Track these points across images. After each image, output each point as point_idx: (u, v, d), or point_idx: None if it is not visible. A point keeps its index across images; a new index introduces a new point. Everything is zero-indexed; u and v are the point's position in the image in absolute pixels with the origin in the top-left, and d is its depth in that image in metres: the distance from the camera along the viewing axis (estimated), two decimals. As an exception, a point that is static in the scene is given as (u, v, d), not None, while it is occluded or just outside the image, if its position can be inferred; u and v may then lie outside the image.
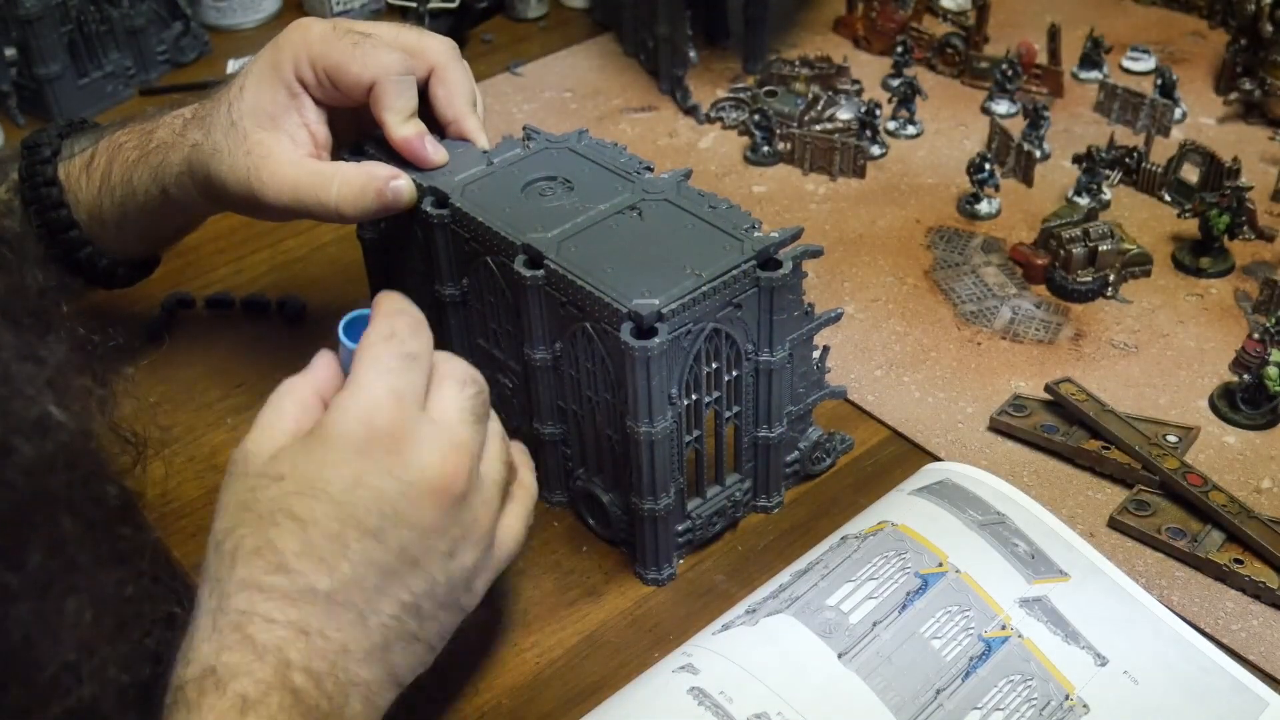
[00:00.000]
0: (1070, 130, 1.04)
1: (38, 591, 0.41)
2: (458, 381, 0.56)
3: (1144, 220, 0.93)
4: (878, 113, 1.02)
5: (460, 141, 0.71)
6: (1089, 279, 0.86)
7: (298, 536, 0.50)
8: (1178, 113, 1.04)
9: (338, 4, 1.23)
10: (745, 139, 1.04)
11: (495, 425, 0.59)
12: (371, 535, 0.51)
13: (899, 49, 1.11)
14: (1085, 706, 0.57)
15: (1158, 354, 0.81)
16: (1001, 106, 1.06)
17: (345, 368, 0.58)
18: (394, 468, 0.51)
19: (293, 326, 0.86)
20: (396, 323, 0.55)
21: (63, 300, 0.48)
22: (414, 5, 1.19)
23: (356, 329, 0.58)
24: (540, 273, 0.62)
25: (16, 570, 0.40)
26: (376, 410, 0.52)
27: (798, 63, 1.11)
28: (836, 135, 1.00)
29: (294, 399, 0.56)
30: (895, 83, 1.09)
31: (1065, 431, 0.74)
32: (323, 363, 0.58)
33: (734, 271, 0.61)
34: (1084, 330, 0.83)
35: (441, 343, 0.58)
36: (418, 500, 0.52)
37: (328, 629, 0.49)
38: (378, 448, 0.51)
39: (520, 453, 0.63)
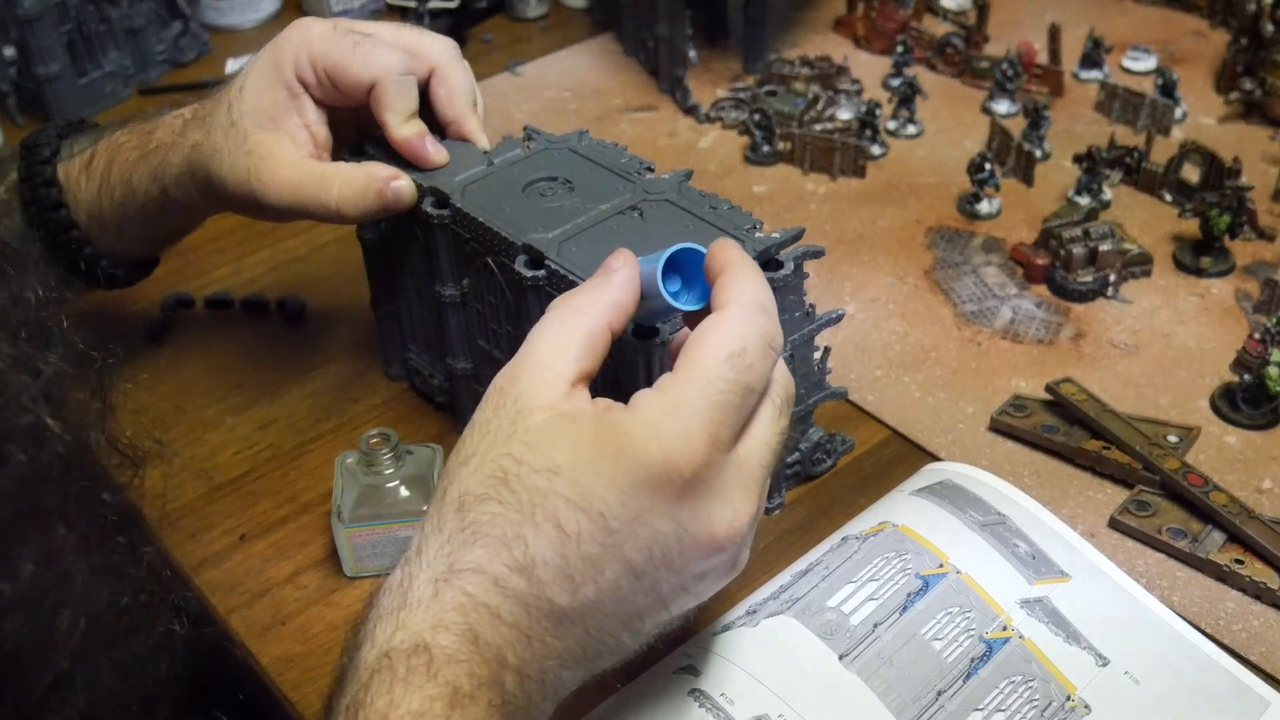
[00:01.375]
0: (1070, 130, 1.04)
1: (31, 602, 0.40)
2: (775, 408, 0.49)
3: (1144, 220, 0.93)
4: (878, 113, 1.01)
5: (460, 142, 0.71)
6: (1089, 279, 0.86)
7: (554, 547, 0.45)
8: (1178, 112, 1.04)
9: (337, 4, 1.23)
10: (745, 139, 1.04)
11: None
12: (630, 571, 0.46)
13: (899, 49, 1.11)
14: (1087, 707, 0.57)
15: (1158, 354, 0.81)
16: (1002, 106, 1.06)
17: (653, 303, 0.50)
18: (679, 513, 0.46)
19: (292, 326, 0.86)
20: (751, 337, 0.47)
21: (62, 314, 0.48)
22: (414, 5, 1.19)
23: (681, 267, 0.50)
24: (541, 273, 0.62)
25: (9, 580, 0.39)
26: (689, 450, 0.45)
27: (798, 63, 1.11)
28: (836, 135, 1.00)
29: (583, 329, 0.49)
30: (895, 83, 1.09)
31: (1065, 431, 0.74)
32: (624, 279, 0.50)
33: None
34: (1084, 330, 0.83)
35: (440, 348, 0.55)
36: (691, 549, 0.47)
37: (550, 638, 0.46)
38: (671, 488, 0.46)
39: None
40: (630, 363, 0.58)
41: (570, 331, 0.48)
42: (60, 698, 0.41)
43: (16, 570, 0.40)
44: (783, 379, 0.50)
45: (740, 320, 0.47)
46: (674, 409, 0.46)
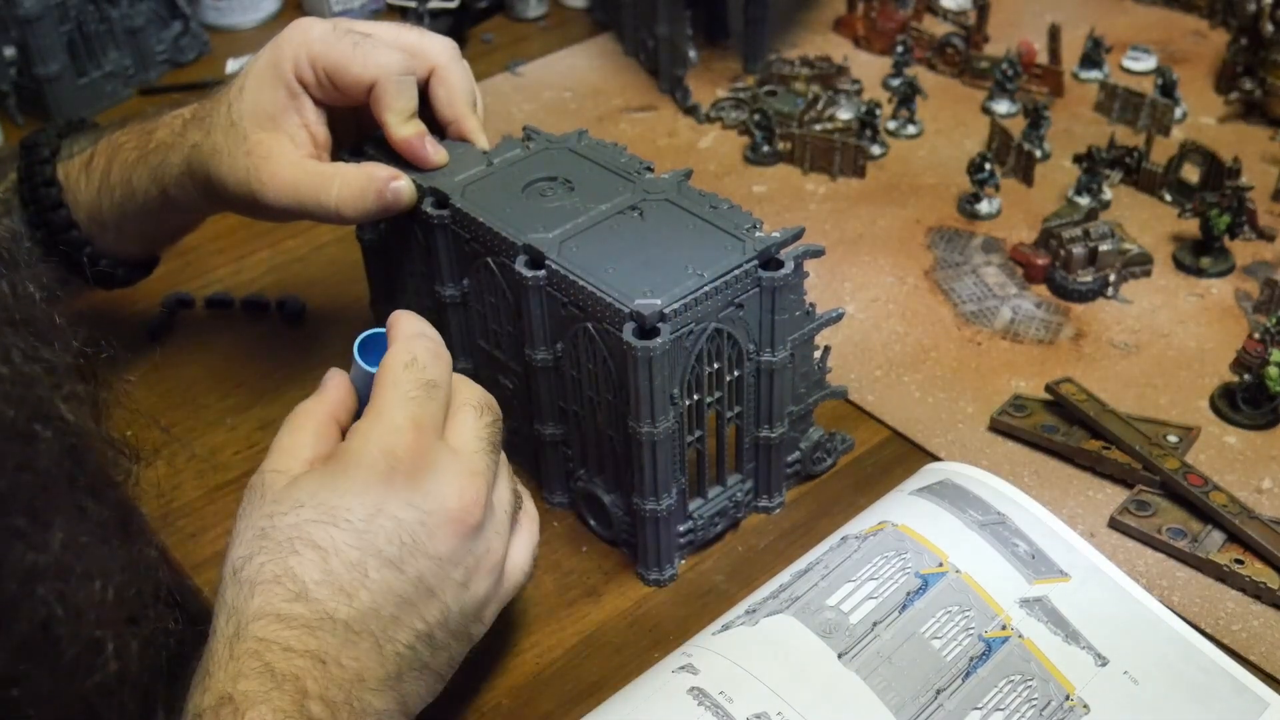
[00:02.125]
0: (1070, 130, 1.04)
1: (61, 571, 0.41)
2: (475, 409, 0.57)
3: (1144, 220, 0.93)
4: (878, 112, 1.01)
5: (460, 142, 0.71)
6: (1089, 279, 0.86)
7: (318, 565, 0.50)
8: (1178, 112, 1.04)
9: (337, 4, 1.23)
10: (745, 139, 1.04)
11: (501, 455, 0.59)
12: (391, 564, 0.51)
13: (899, 49, 1.11)
14: (1086, 707, 0.57)
15: (1158, 354, 0.81)
16: (1002, 106, 1.06)
17: (360, 389, 0.58)
18: (414, 497, 0.52)
19: (292, 326, 0.86)
20: (416, 347, 0.56)
21: (58, 312, 0.48)
22: (414, 5, 1.19)
23: (371, 349, 0.58)
24: (541, 273, 0.62)
25: (41, 550, 0.40)
26: (398, 439, 0.52)
27: (798, 63, 1.11)
28: (836, 135, 1.00)
29: (311, 424, 0.56)
30: (895, 82, 1.09)
31: (1065, 431, 0.74)
32: (336, 384, 0.59)
33: (736, 271, 0.61)
34: (1084, 330, 0.83)
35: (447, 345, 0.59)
36: (436, 530, 0.52)
37: (344, 658, 0.49)
38: (399, 477, 0.52)
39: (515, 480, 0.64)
40: (634, 365, 0.58)
41: (300, 429, 0.56)
42: (91, 663, 0.42)
43: (48, 540, 0.41)
44: (473, 391, 0.58)
45: (403, 345, 0.56)
46: (376, 417, 0.53)
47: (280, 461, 0.54)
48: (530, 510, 0.61)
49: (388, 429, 0.53)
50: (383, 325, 0.58)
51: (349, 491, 0.51)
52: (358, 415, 0.57)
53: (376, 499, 0.51)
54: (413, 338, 0.56)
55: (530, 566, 0.60)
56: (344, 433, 0.56)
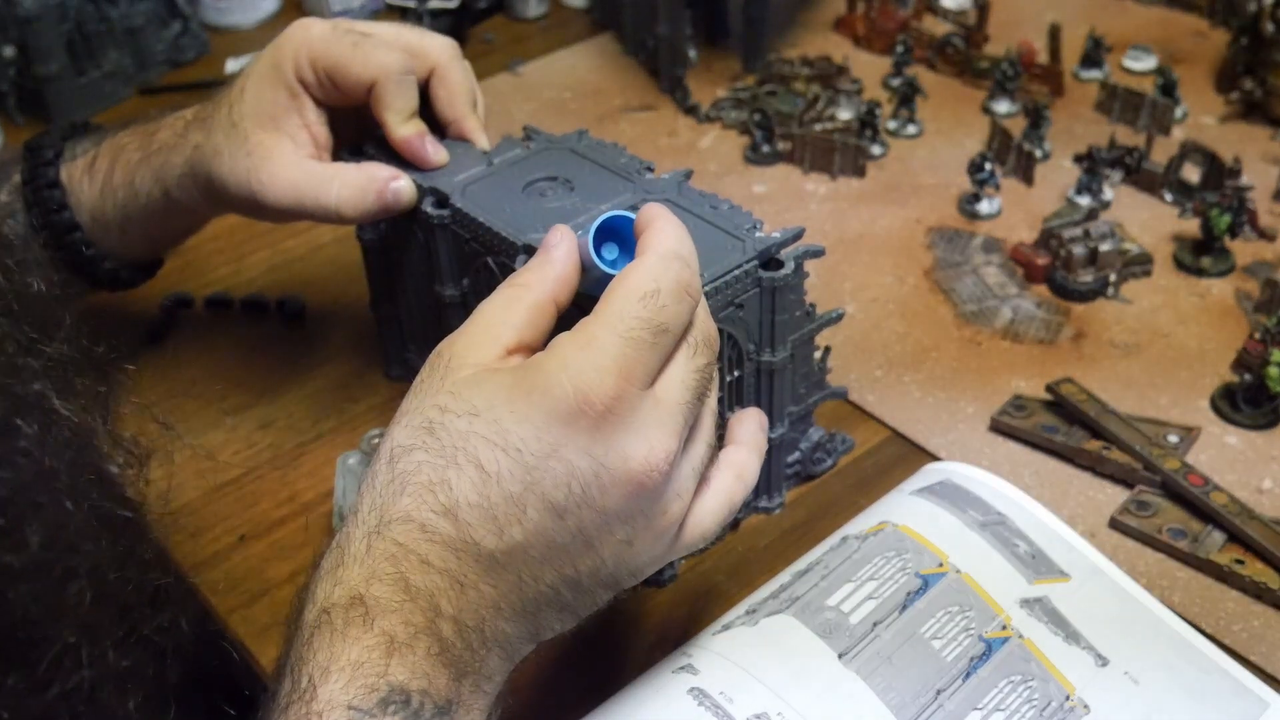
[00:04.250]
0: (1071, 130, 1.04)
1: (38, 573, 0.41)
2: (692, 347, 0.50)
3: (1145, 220, 0.93)
4: (878, 112, 1.01)
5: (460, 142, 0.71)
6: (1089, 279, 0.86)
7: (476, 487, 0.46)
8: (1179, 112, 1.04)
9: (337, 4, 1.23)
10: (745, 139, 1.04)
11: (710, 400, 0.53)
12: (552, 510, 0.47)
13: (899, 49, 1.11)
14: (1086, 707, 0.57)
15: (1158, 354, 0.81)
16: (1002, 106, 1.06)
17: (591, 278, 0.52)
18: (595, 447, 0.47)
19: (292, 326, 0.86)
20: (664, 278, 0.49)
21: (64, 309, 0.48)
22: (414, 5, 1.19)
23: (614, 235, 0.51)
24: (541, 273, 0.62)
25: (17, 551, 0.40)
26: (599, 382, 0.46)
27: (798, 63, 1.11)
28: (836, 135, 1.00)
29: (525, 302, 0.50)
30: (895, 82, 1.09)
31: (1066, 431, 0.74)
32: (565, 255, 0.52)
33: (736, 271, 0.61)
34: (1084, 330, 0.83)
35: None
36: (610, 486, 0.47)
37: (483, 584, 0.47)
38: (584, 421, 0.46)
39: (753, 422, 0.57)
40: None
41: (512, 304, 0.50)
42: (67, 669, 0.42)
43: (24, 540, 0.40)
44: (702, 323, 0.51)
45: (655, 265, 0.49)
46: (585, 345, 0.47)
47: (478, 338, 0.49)
48: (742, 469, 0.55)
49: (591, 366, 0.46)
50: (383, 329, 0.53)
51: (528, 419, 0.46)
52: (576, 306, 0.51)
53: (555, 438, 0.46)
54: (666, 258, 0.49)
55: (714, 532, 0.53)
56: (559, 317, 0.51)
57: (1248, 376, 0.76)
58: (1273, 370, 0.74)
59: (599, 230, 0.51)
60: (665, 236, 0.50)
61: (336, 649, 0.44)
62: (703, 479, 0.52)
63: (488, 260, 0.66)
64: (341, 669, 0.43)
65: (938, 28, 1.17)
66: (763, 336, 0.64)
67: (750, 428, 0.56)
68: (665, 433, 0.48)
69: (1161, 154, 0.96)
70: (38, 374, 0.43)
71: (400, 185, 0.67)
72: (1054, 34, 1.08)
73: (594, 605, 0.51)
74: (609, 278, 0.50)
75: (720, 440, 0.57)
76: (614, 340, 0.47)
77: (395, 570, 0.45)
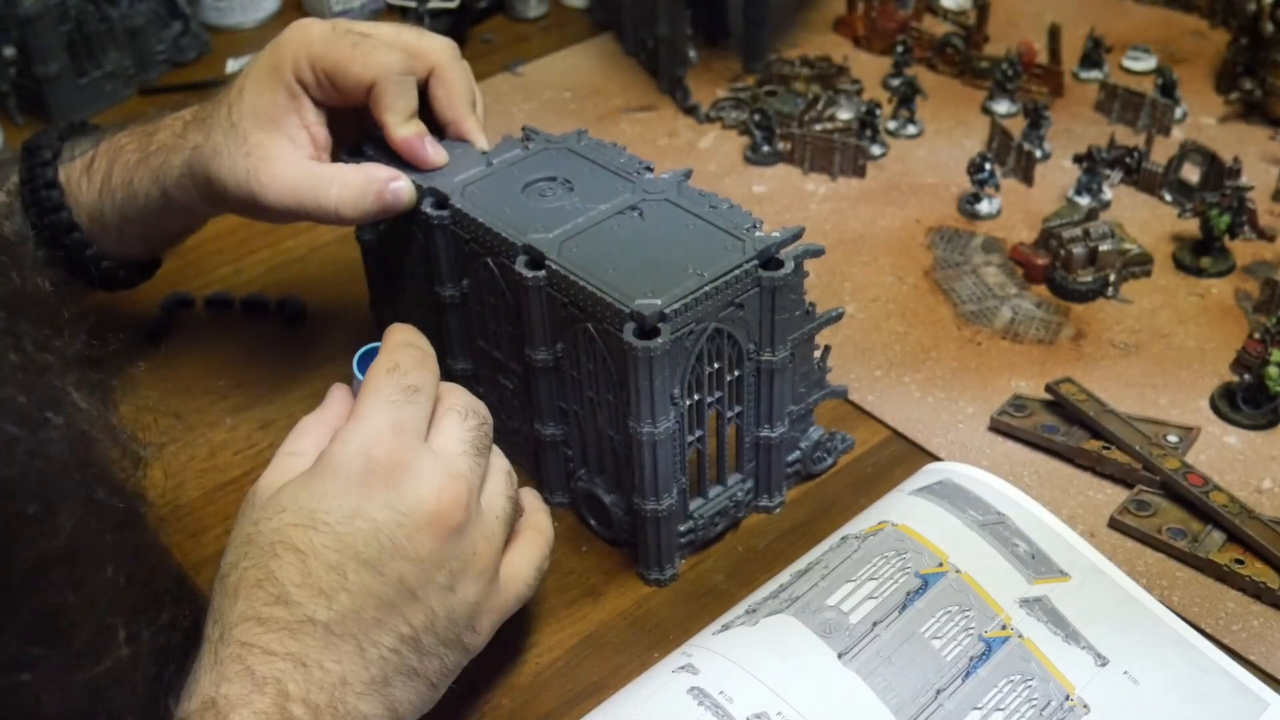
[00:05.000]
0: (1070, 130, 1.04)
1: (71, 557, 0.41)
2: (459, 413, 0.57)
3: (1144, 220, 0.93)
4: (878, 113, 1.01)
5: (460, 142, 0.71)
6: (1089, 279, 0.86)
7: (297, 568, 0.50)
8: (1178, 112, 1.04)
9: (337, 4, 1.23)
10: (745, 139, 1.04)
11: (500, 461, 0.59)
12: (369, 566, 0.51)
13: (899, 49, 1.11)
14: (1085, 707, 0.57)
15: (1158, 354, 0.81)
16: (1002, 106, 1.06)
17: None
18: (391, 499, 0.52)
19: (292, 326, 0.86)
20: (401, 356, 0.57)
21: (65, 307, 0.48)
22: (414, 5, 1.19)
23: (369, 363, 0.59)
24: (541, 273, 0.62)
25: (52, 536, 0.41)
26: (376, 442, 0.53)
27: (798, 63, 1.11)
28: (836, 135, 1.00)
29: (310, 436, 0.57)
30: (895, 83, 1.09)
31: (1065, 431, 0.74)
32: (337, 398, 0.60)
33: (736, 271, 0.61)
34: (1084, 330, 0.83)
35: (440, 349, 0.59)
36: (415, 532, 0.52)
37: (326, 660, 0.49)
38: (375, 479, 0.52)
39: (533, 497, 0.64)
40: (634, 365, 0.58)
41: (295, 441, 0.58)
42: (102, 649, 0.43)
43: (58, 526, 0.41)
44: (460, 395, 0.58)
45: (388, 353, 0.57)
46: (356, 422, 0.54)
47: (274, 473, 0.55)
48: (540, 525, 0.61)
49: (366, 432, 0.53)
50: (383, 329, 0.59)
51: (327, 494, 0.52)
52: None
53: (354, 501, 0.52)
54: (399, 346, 0.58)
55: (533, 580, 0.59)
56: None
57: (1247, 376, 0.76)
58: (1272, 370, 0.74)
59: (360, 359, 0.60)
60: (395, 335, 0.58)
61: None
62: (514, 532, 0.59)
63: (487, 260, 0.66)
64: None
65: (938, 28, 1.17)
66: (763, 336, 0.64)
67: (530, 500, 0.63)
68: (451, 476, 0.54)
69: (1161, 154, 0.96)
70: (54, 368, 0.44)
71: (400, 186, 0.67)
72: (1054, 34, 1.08)
73: (444, 671, 0.54)
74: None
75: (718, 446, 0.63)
76: (376, 408, 0.54)
77: (241, 666, 0.48)
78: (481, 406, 0.59)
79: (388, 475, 0.52)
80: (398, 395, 0.55)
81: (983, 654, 0.58)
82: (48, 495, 0.41)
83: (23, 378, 0.41)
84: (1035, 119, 0.99)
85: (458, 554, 0.54)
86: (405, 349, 0.57)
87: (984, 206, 0.94)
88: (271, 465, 0.56)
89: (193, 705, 0.47)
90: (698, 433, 0.64)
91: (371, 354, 0.59)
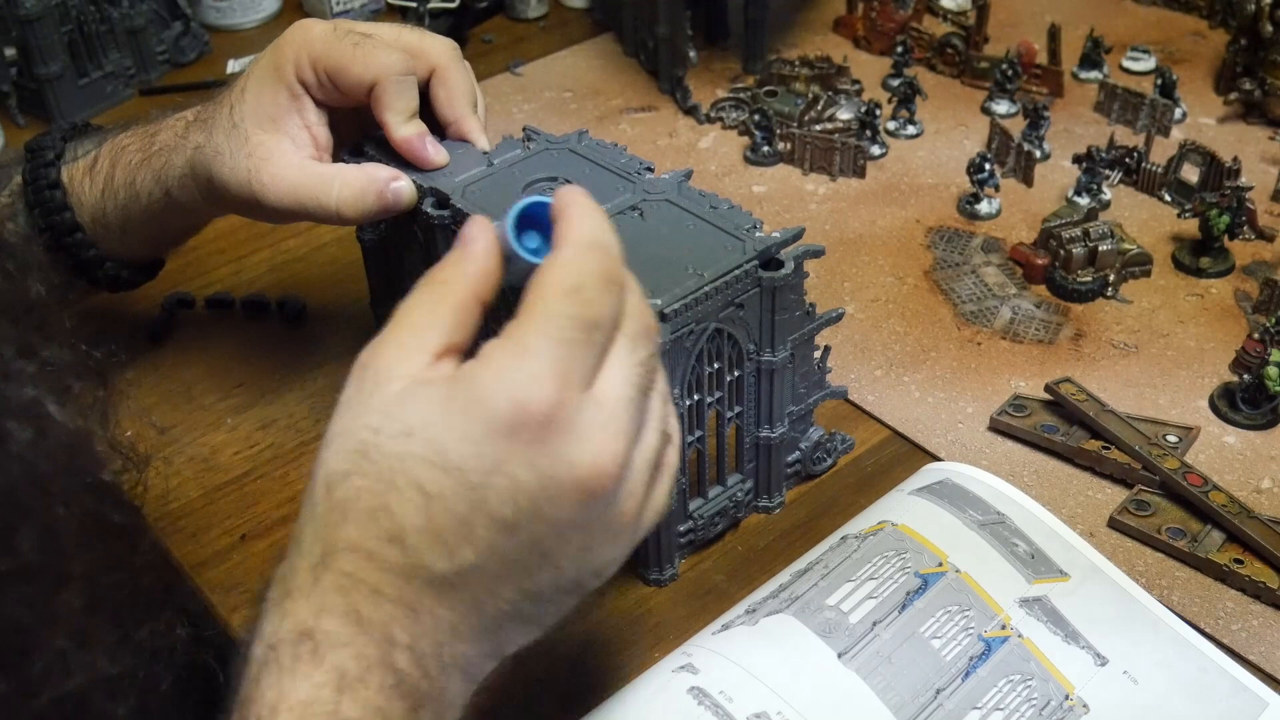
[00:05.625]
0: (1070, 130, 1.04)
1: (29, 579, 0.40)
2: (630, 341, 0.47)
3: (1144, 220, 0.94)
4: (878, 113, 1.02)
5: (461, 142, 0.71)
6: (1089, 279, 0.86)
7: (421, 510, 0.44)
8: (1178, 113, 1.04)
9: (338, 4, 1.23)
10: (745, 139, 1.04)
11: (660, 382, 0.50)
12: (502, 526, 0.45)
13: (899, 49, 1.11)
14: (1085, 706, 0.57)
15: (1158, 354, 0.81)
16: (1001, 106, 1.07)
17: (515, 268, 0.49)
18: (538, 460, 0.44)
19: (293, 326, 0.86)
20: (587, 268, 0.46)
21: (64, 313, 0.48)
22: (414, 5, 1.19)
23: (535, 223, 0.49)
24: (541, 273, 0.62)
25: (8, 556, 0.39)
26: (535, 390, 0.44)
27: (798, 63, 1.11)
28: (836, 135, 1.00)
29: (449, 302, 0.47)
30: (895, 83, 1.09)
31: (1065, 431, 0.74)
32: (484, 249, 0.48)
33: (736, 271, 0.61)
34: (1084, 330, 0.83)
35: None
36: (559, 497, 0.45)
37: (438, 608, 0.45)
38: (525, 433, 0.44)
39: (672, 415, 0.54)
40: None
41: (436, 305, 0.47)
42: (57, 675, 0.41)
43: (15, 546, 0.39)
44: (636, 311, 0.48)
45: (575, 257, 0.46)
46: (517, 352, 0.44)
47: (403, 346, 0.46)
48: (676, 440, 0.52)
49: (526, 376, 0.44)
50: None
51: (466, 437, 0.44)
52: (502, 300, 0.48)
53: (496, 454, 0.44)
54: (586, 248, 0.47)
55: (665, 510, 0.51)
56: (485, 313, 0.48)
57: (1246, 376, 0.76)
58: (1271, 370, 0.74)
59: (519, 219, 0.48)
60: (582, 225, 0.47)
61: (285, 686, 0.42)
62: (657, 468, 0.50)
63: (488, 260, 0.66)
64: (290, 709, 0.42)
65: (938, 28, 1.17)
66: (763, 336, 0.64)
67: (672, 421, 0.53)
68: (609, 435, 0.45)
69: (1160, 154, 0.96)
70: (32, 379, 0.43)
71: (400, 186, 0.67)
72: (1053, 35, 1.08)
73: (559, 614, 0.49)
74: (533, 267, 0.48)
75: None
76: (545, 344, 0.45)
77: (345, 601, 0.44)
78: (652, 325, 0.49)
79: (539, 431, 0.44)
80: (574, 332, 0.45)
81: (982, 654, 0.58)
82: (4, 512, 0.39)
83: None
84: (1035, 119, 1.00)
85: (600, 517, 0.47)
86: (593, 255, 0.47)
87: (984, 207, 0.94)
88: (398, 330, 0.47)
89: (286, 628, 0.43)
90: (698, 433, 0.64)
91: (534, 216, 0.48)
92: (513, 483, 0.44)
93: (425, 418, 0.44)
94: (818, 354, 0.69)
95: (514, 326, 0.45)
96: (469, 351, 0.47)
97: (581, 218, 0.48)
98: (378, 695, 0.43)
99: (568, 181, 0.68)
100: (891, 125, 1.05)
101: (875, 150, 1.01)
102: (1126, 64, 1.12)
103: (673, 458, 0.51)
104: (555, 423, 0.44)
